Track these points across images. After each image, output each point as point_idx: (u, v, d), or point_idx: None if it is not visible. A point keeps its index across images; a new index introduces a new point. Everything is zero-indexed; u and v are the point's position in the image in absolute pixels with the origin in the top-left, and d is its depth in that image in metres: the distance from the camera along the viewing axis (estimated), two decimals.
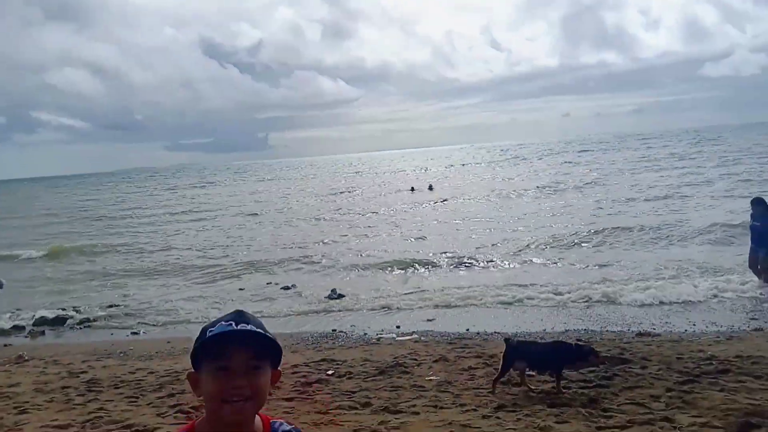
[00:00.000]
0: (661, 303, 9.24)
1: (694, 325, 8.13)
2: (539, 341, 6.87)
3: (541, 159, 63.83)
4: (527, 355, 5.42)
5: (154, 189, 65.83)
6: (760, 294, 9.17)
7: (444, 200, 29.07)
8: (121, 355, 8.42)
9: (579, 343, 6.07)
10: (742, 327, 7.87)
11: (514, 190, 30.42)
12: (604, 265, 12.33)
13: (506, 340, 5.62)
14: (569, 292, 10.17)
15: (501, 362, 5.45)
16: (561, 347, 5.52)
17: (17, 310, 12.21)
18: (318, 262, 15.39)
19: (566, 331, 8.20)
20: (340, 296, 11.47)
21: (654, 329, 7.98)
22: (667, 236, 14.94)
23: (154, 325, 10.74)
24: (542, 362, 5.40)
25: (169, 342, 9.19)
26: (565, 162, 52.35)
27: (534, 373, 5.55)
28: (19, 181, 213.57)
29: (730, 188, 23.70)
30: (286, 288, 12.70)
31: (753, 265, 9.70)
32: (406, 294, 11.31)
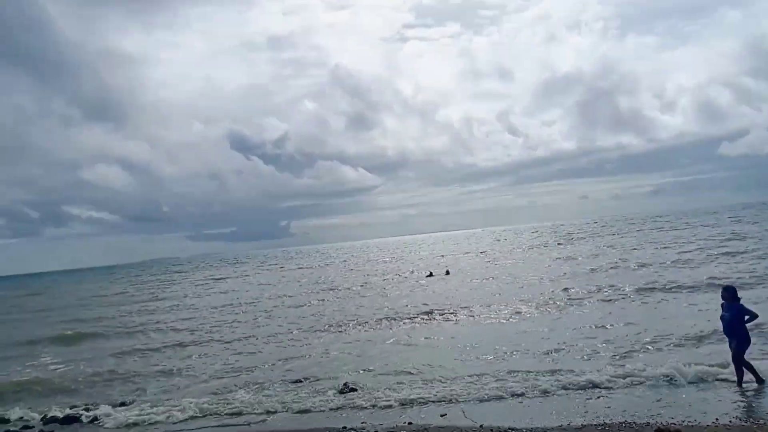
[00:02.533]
0: None
1: None
2: None
3: (583, 240, 59.70)
4: None
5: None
6: None
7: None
8: None
9: None
10: None
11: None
12: None
13: None
14: None
15: None
16: None
17: (27, 408, 12.18)
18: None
19: None
20: (352, 390, 11.22)
21: None
22: None
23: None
24: None
25: None
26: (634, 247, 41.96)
27: None
28: (49, 273, 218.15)
29: None
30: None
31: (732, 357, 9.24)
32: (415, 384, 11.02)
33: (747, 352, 9.13)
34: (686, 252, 32.91)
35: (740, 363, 9.04)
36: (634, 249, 40.03)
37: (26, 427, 11.10)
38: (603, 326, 15.02)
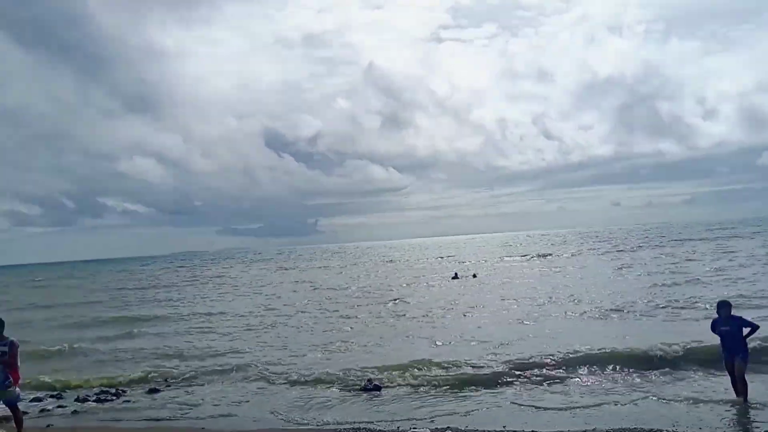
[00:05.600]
0: None
1: None
2: None
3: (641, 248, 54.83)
4: None
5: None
6: None
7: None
8: None
9: None
10: None
11: None
12: None
13: None
14: None
15: None
16: None
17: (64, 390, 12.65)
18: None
19: None
20: (377, 388, 11.26)
21: None
22: None
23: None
24: None
25: None
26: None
27: None
28: (85, 262, 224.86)
29: None
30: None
31: (730, 372, 9.04)
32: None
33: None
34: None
35: (744, 377, 8.87)
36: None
37: (61, 406, 11.50)
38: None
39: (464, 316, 20.33)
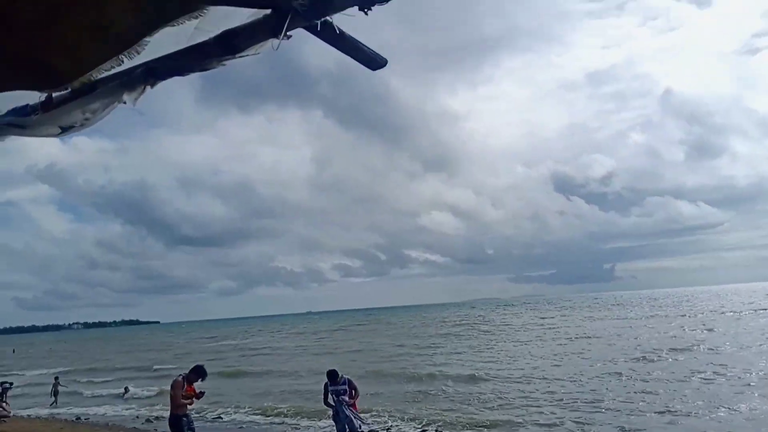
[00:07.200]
0: None
1: None
2: None
3: None
4: None
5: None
6: None
7: None
8: None
9: None
10: None
11: None
12: None
13: None
14: None
15: None
16: None
17: None
18: None
19: None
20: None
21: None
22: None
23: None
24: None
25: None
26: None
27: None
28: (393, 308, 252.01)
29: None
30: None
31: None
32: None
33: None
34: None
35: None
36: None
37: None
38: None
39: None
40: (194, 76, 2.47)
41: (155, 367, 32.81)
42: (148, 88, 2.57)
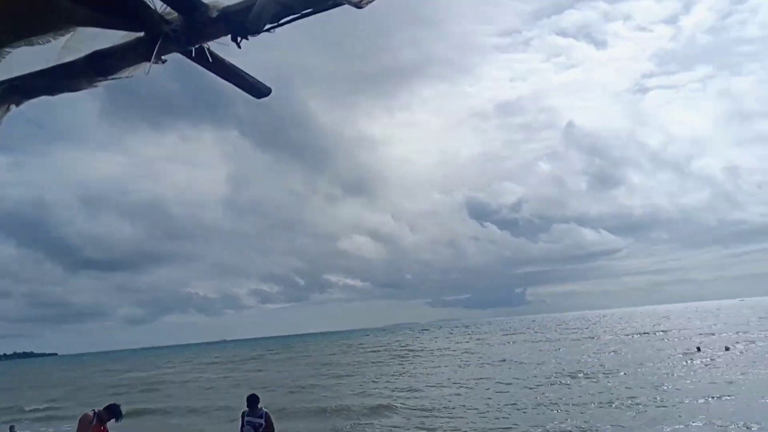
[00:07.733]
0: None
1: None
2: None
3: None
4: None
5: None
6: None
7: None
8: None
9: None
10: None
11: None
12: None
13: None
14: None
15: None
16: None
17: None
18: None
19: None
20: None
21: None
22: None
23: None
24: None
25: None
26: None
27: None
28: (312, 335, 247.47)
29: None
30: None
31: None
32: None
33: None
34: None
35: None
36: None
37: None
38: None
39: None
40: (99, 89, 2.32)
41: (30, 407, 28.68)
42: (13, 106, 2.39)
